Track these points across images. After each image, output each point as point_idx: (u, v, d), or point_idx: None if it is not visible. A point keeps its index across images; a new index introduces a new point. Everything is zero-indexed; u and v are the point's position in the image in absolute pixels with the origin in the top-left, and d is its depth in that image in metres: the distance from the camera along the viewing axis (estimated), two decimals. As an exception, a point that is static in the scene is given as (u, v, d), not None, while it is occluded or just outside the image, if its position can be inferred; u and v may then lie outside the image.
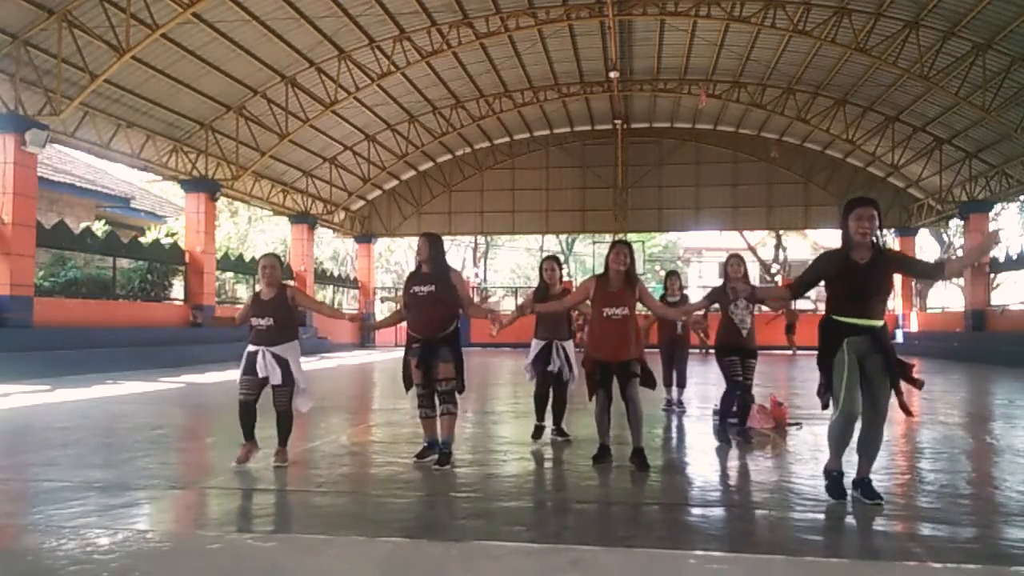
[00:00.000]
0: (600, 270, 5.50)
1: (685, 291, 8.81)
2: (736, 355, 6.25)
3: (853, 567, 3.24)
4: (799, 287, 4.45)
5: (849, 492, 4.20)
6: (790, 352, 21.32)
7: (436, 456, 5.22)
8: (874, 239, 4.13)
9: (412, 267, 5.44)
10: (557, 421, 6.32)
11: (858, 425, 4.15)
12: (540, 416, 6.28)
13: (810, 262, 4.44)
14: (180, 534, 3.75)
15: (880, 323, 4.12)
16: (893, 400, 4.10)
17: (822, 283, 4.36)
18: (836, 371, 4.10)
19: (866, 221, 4.06)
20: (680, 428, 7.30)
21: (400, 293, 5.50)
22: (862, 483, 4.14)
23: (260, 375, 5.06)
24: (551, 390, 6.28)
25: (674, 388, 8.27)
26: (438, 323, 5.18)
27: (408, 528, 3.78)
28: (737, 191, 26.33)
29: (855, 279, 4.09)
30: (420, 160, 26.71)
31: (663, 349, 8.31)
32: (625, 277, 5.20)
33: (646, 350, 5.42)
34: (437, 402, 5.26)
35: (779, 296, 5.27)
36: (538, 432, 6.23)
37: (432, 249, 5.27)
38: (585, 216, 27.32)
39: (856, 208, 4.11)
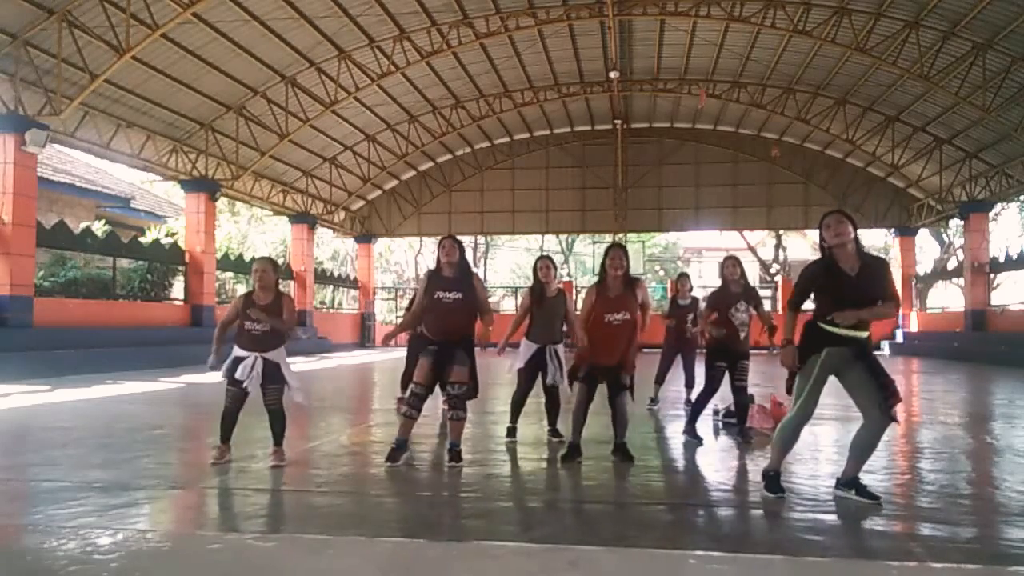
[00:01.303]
0: (590, 287, 5.48)
1: (693, 293, 8.77)
2: (726, 360, 6.23)
3: (853, 567, 3.24)
4: (797, 301, 4.41)
5: (841, 492, 4.24)
6: (772, 352, 21.31)
7: (407, 454, 5.26)
8: (859, 246, 4.14)
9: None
10: (552, 422, 6.31)
11: (852, 427, 4.19)
12: (514, 418, 6.28)
13: (800, 273, 4.44)
14: (180, 534, 3.75)
15: (865, 335, 4.12)
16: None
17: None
18: (805, 373, 4.15)
19: (834, 225, 4.10)
20: (680, 428, 7.28)
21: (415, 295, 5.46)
22: (855, 484, 4.17)
23: (244, 385, 5.06)
24: (545, 392, 6.26)
25: (660, 387, 8.30)
26: (459, 329, 5.18)
27: (408, 528, 3.78)
28: (737, 191, 26.32)
29: (844, 290, 4.09)
30: (420, 160, 26.71)
31: (668, 348, 8.30)
32: (624, 281, 5.20)
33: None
34: (449, 404, 5.25)
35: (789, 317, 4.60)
36: (510, 433, 6.24)
37: (462, 253, 5.28)
38: (585, 216, 27.31)
39: (824, 219, 4.20)
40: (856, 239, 4.13)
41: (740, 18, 16.72)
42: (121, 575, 2.98)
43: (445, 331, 5.16)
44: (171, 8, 13.53)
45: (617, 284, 5.20)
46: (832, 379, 4.21)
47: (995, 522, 3.92)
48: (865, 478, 4.25)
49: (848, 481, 4.20)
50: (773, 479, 4.30)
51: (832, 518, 3.96)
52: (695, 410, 6.42)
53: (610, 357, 5.17)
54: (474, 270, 5.45)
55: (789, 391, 4.32)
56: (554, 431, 6.27)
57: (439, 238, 5.43)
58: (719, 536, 3.77)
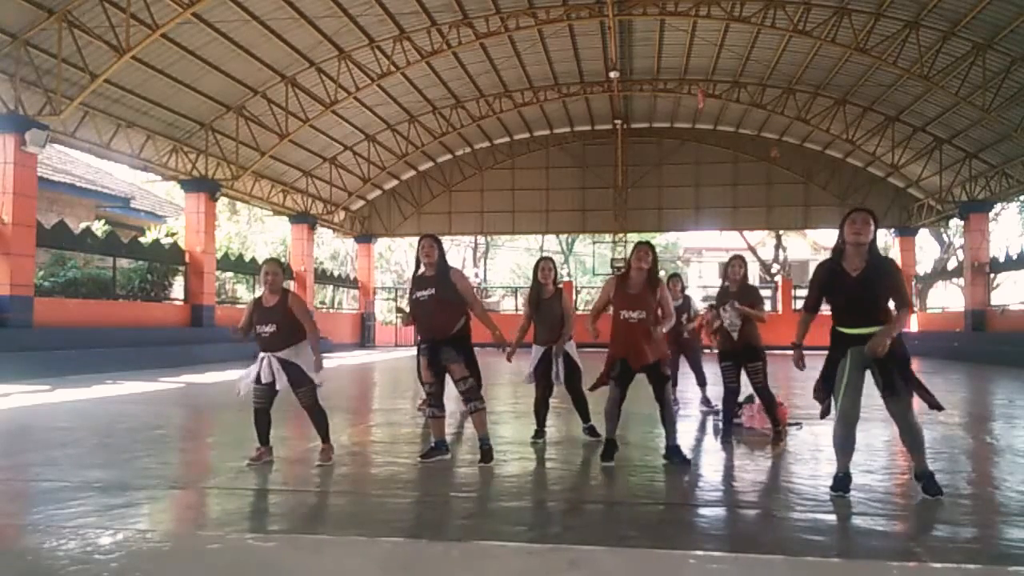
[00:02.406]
0: (600, 270, 5.50)
1: (686, 292, 8.78)
2: (730, 360, 6.21)
3: (853, 567, 3.24)
4: (810, 307, 4.46)
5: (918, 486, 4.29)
6: None
7: (443, 456, 5.24)
8: (872, 247, 4.17)
9: (412, 267, 5.42)
10: (586, 419, 6.29)
11: (870, 428, 4.22)
12: (540, 422, 6.25)
13: (810, 276, 4.48)
14: (180, 534, 3.75)
15: (876, 330, 4.12)
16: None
17: None
18: (838, 377, 4.21)
19: (859, 223, 4.13)
20: (680, 428, 7.28)
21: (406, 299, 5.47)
22: (922, 477, 4.23)
23: (266, 382, 5.07)
24: (568, 391, 6.25)
25: (676, 388, 8.26)
26: (442, 327, 5.15)
27: (408, 528, 3.78)
28: (737, 191, 26.31)
29: (847, 291, 4.15)
30: (420, 160, 26.71)
31: (670, 351, 8.27)
32: (647, 279, 5.19)
33: None
34: (463, 400, 5.26)
35: (804, 322, 4.68)
36: (538, 436, 6.20)
37: (439, 252, 5.25)
38: (585, 216, 27.30)
39: (852, 213, 4.24)
40: (873, 242, 4.19)
41: (740, 18, 16.71)
42: (121, 575, 2.98)
43: (428, 329, 5.18)
44: (171, 8, 13.52)
45: (640, 280, 5.18)
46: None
47: (995, 522, 3.92)
48: (866, 478, 4.25)
49: (916, 474, 4.26)
50: (838, 479, 4.32)
51: (832, 518, 3.96)
52: (725, 417, 6.39)
53: (635, 357, 5.10)
54: (453, 266, 5.39)
55: (816, 398, 4.37)
56: (589, 428, 6.24)
57: (418, 238, 5.41)
58: (719, 536, 3.77)
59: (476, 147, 26.89)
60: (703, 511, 4.22)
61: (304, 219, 24.12)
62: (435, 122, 23.38)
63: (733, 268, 6.30)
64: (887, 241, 32.12)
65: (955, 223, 26.50)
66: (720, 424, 6.74)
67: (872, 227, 4.15)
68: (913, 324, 25.70)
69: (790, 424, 6.88)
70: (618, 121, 24.78)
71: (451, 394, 5.52)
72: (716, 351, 6.41)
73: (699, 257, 45.55)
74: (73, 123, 15.05)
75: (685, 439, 6.84)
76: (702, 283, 37.23)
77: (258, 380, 5.10)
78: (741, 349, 6.17)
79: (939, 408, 4.21)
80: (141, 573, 3.02)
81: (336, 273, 31.89)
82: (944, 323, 24.32)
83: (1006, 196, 22.14)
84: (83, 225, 18.72)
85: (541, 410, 6.24)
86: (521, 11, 17.36)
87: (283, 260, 26.92)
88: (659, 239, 42.70)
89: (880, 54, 16.62)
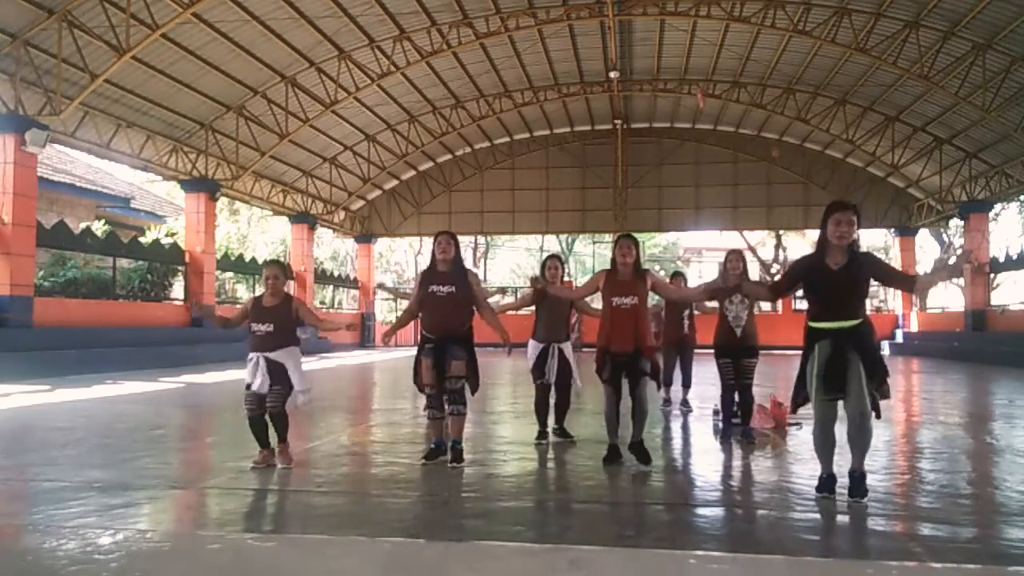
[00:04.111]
0: (601, 269, 5.52)
1: None
2: (729, 357, 6.22)
3: (853, 567, 3.23)
4: (778, 290, 4.51)
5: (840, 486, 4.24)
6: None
7: (444, 457, 5.21)
8: (852, 243, 4.15)
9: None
10: (559, 421, 6.29)
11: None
12: (543, 423, 6.20)
13: (792, 262, 4.48)
14: (180, 534, 3.75)
15: (852, 323, 4.09)
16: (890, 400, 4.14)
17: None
18: (808, 376, 4.16)
19: (844, 225, 4.08)
20: (680, 428, 7.30)
21: (406, 290, 5.49)
22: (851, 476, 4.14)
23: (253, 387, 5.01)
24: (554, 391, 6.24)
25: (671, 388, 8.26)
26: (455, 324, 5.17)
27: (408, 528, 3.77)
28: (737, 191, 26.31)
29: (826, 285, 4.12)
30: (420, 160, 26.71)
31: (667, 350, 8.28)
32: (634, 269, 5.23)
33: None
34: (446, 399, 5.24)
35: (762, 295, 5.41)
36: (542, 436, 6.15)
37: (456, 249, 5.30)
38: (585, 216, 27.30)
39: (836, 212, 4.14)
40: (855, 239, 4.17)
41: (740, 18, 16.71)
42: (121, 575, 2.98)
43: (441, 325, 5.16)
44: (171, 8, 13.53)
45: (627, 271, 5.23)
46: None
47: (995, 522, 3.92)
48: (866, 478, 4.23)
49: (848, 472, 4.16)
50: (824, 481, 4.24)
51: (832, 518, 3.96)
52: (725, 416, 6.38)
53: (623, 342, 5.11)
54: (473, 269, 5.46)
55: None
56: (561, 430, 6.25)
57: (435, 234, 5.42)
58: (719, 536, 3.76)
59: (476, 147, 26.89)
60: (703, 511, 4.22)
61: (304, 219, 24.13)
62: (435, 122, 23.39)
63: (732, 262, 6.24)
64: (887, 241, 32.17)
65: (955, 223, 26.49)
66: (719, 423, 6.75)
67: (855, 228, 4.09)
68: (913, 324, 25.72)
69: (790, 424, 6.88)
70: (618, 121, 24.77)
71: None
72: (714, 349, 6.39)
73: (699, 257, 45.58)
74: (73, 123, 15.05)
75: (685, 439, 6.85)
76: (702, 283, 37.17)
77: (248, 386, 5.05)
78: (740, 347, 6.18)
79: (878, 416, 4.15)
80: (141, 573, 3.02)
81: (336, 273, 31.88)
82: (944, 323, 24.32)
83: (1006, 196, 22.16)
84: (83, 225, 18.73)
85: (542, 409, 6.19)
86: (521, 11, 17.37)
87: (283, 260, 26.90)
88: (659, 239, 42.76)
89: (880, 54, 16.63)
